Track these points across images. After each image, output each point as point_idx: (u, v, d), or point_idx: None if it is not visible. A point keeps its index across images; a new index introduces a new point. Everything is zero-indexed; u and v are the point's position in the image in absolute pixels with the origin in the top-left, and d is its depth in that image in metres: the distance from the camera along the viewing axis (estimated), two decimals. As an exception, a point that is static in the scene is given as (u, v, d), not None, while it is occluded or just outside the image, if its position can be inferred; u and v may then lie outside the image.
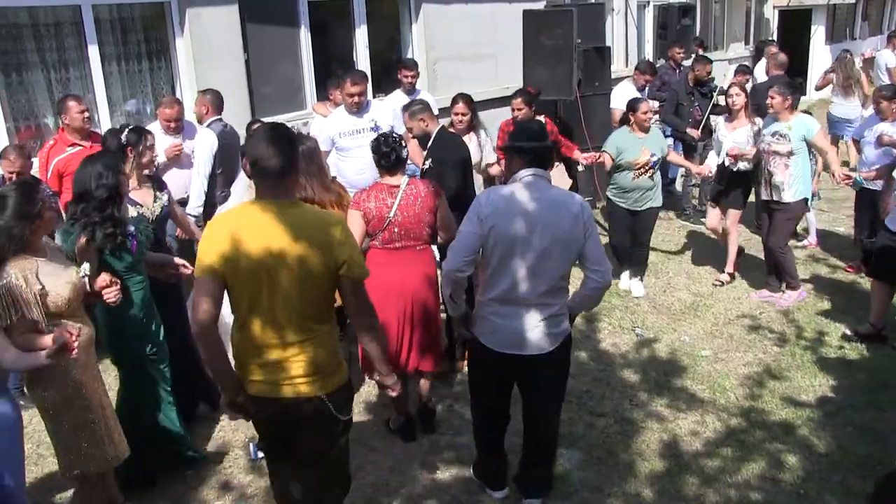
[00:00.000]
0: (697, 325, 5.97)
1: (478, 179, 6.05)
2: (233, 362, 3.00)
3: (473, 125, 5.93)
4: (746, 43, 14.79)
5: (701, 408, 4.76)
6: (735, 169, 6.30)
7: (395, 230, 4.23)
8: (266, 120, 6.54)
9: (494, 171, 6.11)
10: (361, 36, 8.26)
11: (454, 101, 5.92)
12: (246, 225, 2.78)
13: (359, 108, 6.01)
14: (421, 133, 5.24)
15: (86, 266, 3.44)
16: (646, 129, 6.35)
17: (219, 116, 5.97)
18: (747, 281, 6.75)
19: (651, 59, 11.56)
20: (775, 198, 6.04)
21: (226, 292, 2.85)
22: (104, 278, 3.51)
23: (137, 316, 3.91)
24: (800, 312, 6.09)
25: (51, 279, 3.24)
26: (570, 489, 4.02)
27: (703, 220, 7.90)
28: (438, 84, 8.70)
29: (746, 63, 10.63)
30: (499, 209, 3.40)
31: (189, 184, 5.84)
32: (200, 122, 6.03)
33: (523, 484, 3.92)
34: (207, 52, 6.77)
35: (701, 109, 8.25)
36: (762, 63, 9.86)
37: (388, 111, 6.30)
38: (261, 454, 4.29)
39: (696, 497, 3.95)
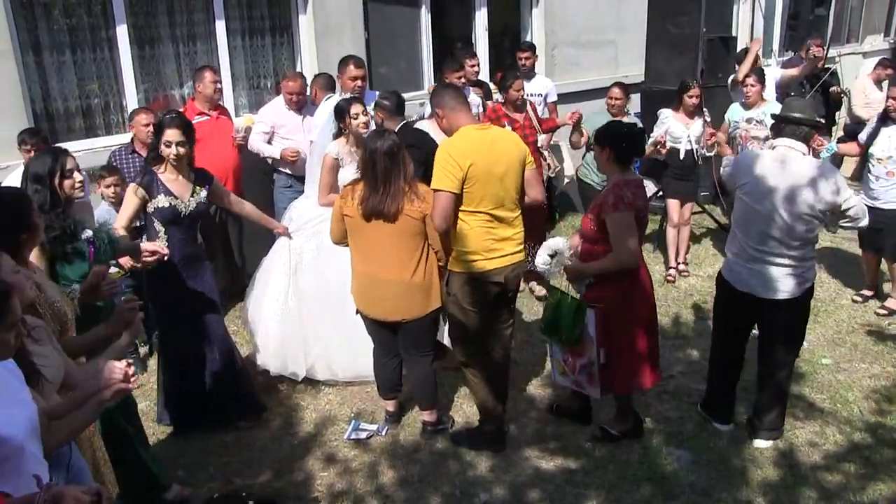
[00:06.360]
0: (818, 331, 5.65)
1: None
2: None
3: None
4: (886, 34, 13.86)
5: (821, 418, 4.51)
6: (702, 158, 6.67)
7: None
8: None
9: None
10: (481, 18, 8.20)
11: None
12: (476, 139, 3.85)
13: (361, 94, 5.73)
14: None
15: (75, 287, 3.21)
16: (614, 114, 6.33)
17: (331, 94, 6.02)
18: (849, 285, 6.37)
19: (777, 51, 11.06)
20: None
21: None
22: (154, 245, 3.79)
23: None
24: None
25: (51, 291, 2.96)
26: (678, 490, 3.89)
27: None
28: (557, 69, 8.55)
29: (887, 56, 9.99)
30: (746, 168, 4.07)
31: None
32: (315, 104, 6.11)
33: (752, 425, 4.31)
34: (329, 29, 6.86)
35: (820, 101, 7.89)
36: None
37: None
38: (354, 435, 4.40)
39: (813, 511, 3.76)
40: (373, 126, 5.17)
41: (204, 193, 4.31)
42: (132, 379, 2.47)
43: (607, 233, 3.90)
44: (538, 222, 5.90)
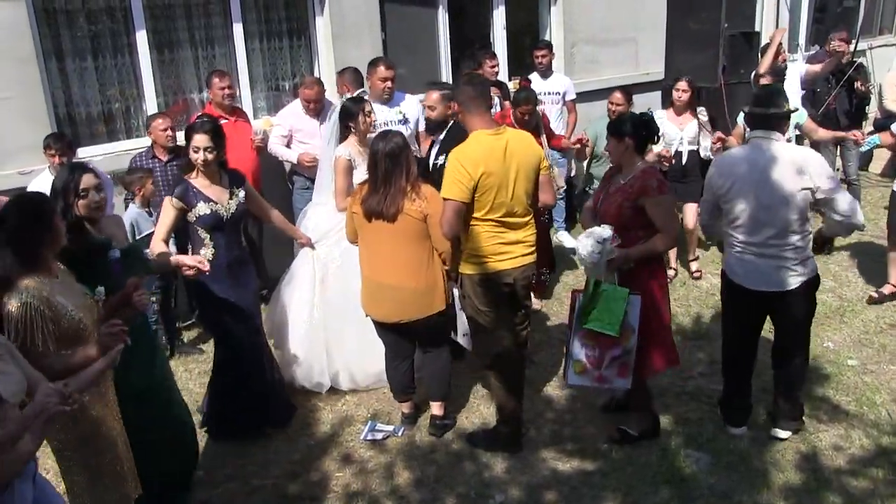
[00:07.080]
0: (844, 332, 5.55)
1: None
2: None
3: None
4: (922, 25, 13.52)
5: (846, 421, 4.41)
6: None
7: None
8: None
9: None
10: (499, 17, 8.15)
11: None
12: (489, 146, 3.79)
13: (390, 97, 5.76)
14: (440, 118, 4.93)
15: (101, 289, 3.12)
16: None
17: (363, 90, 6.00)
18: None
19: (804, 45, 10.87)
20: None
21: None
22: (194, 259, 3.91)
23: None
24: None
25: (64, 299, 2.92)
26: (697, 493, 3.84)
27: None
28: (576, 67, 8.48)
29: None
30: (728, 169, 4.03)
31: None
32: None
33: (772, 417, 4.30)
34: (346, 30, 6.86)
35: (845, 97, 7.72)
36: None
37: (415, 105, 5.98)
38: (370, 436, 4.41)
39: (838, 516, 3.68)
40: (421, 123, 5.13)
41: (242, 194, 4.27)
42: (69, 401, 2.35)
43: (643, 218, 3.89)
44: (542, 227, 5.78)
